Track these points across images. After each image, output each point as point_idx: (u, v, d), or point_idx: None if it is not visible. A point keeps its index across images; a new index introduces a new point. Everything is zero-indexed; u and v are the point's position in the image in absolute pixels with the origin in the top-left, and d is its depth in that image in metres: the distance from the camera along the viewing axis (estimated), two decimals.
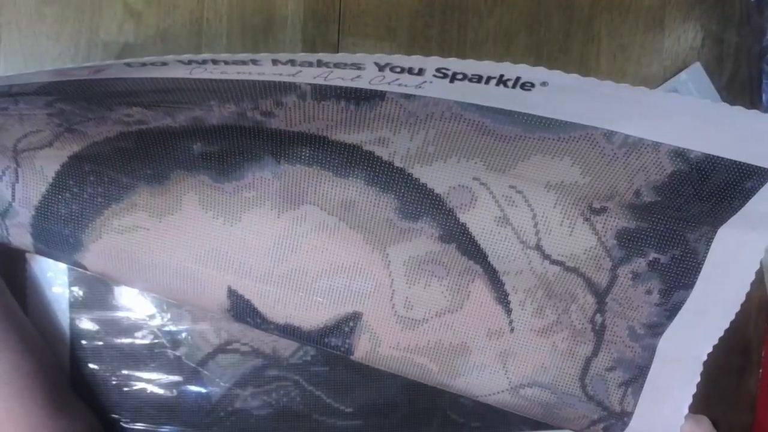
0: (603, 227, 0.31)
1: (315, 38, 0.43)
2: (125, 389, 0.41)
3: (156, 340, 0.41)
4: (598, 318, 0.33)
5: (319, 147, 0.30)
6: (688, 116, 0.26)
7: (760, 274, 0.48)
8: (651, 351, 0.33)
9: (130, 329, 0.41)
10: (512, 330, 0.33)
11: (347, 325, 0.33)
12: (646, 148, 0.28)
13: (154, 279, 0.34)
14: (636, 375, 0.34)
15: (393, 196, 0.30)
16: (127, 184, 0.32)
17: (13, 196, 0.32)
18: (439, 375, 0.34)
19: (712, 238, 0.31)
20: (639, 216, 0.30)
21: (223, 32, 0.42)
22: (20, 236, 0.34)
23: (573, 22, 0.45)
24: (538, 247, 0.31)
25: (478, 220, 0.31)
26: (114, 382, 0.41)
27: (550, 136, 0.27)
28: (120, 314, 0.41)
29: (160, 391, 0.41)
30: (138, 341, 0.41)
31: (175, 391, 0.41)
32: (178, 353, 0.41)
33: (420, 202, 0.31)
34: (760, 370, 0.48)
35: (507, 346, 0.33)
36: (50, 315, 0.40)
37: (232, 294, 0.33)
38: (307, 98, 0.26)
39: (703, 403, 0.46)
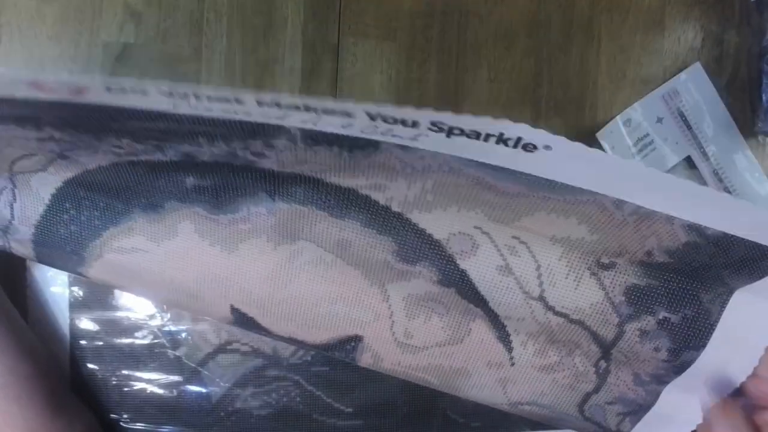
0: (611, 283, 0.29)
1: (315, 38, 0.43)
2: (125, 389, 0.41)
3: (156, 340, 0.41)
4: (602, 364, 0.32)
5: (314, 188, 0.29)
6: (701, 200, 0.25)
7: None
8: (655, 395, 0.32)
9: (130, 329, 0.41)
10: (513, 364, 0.32)
11: (349, 344, 0.33)
12: (659, 219, 0.26)
13: (157, 293, 0.34)
14: (636, 410, 0.33)
15: (390, 239, 0.30)
16: (122, 210, 0.32)
17: (12, 214, 0.32)
18: (440, 387, 0.34)
19: (728, 300, 0.29)
20: (650, 274, 0.29)
21: (223, 32, 0.42)
22: (22, 250, 0.34)
23: (573, 22, 0.45)
24: (542, 299, 0.30)
25: (479, 268, 0.30)
26: (114, 382, 0.41)
27: (555, 197, 0.26)
28: (120, 314, 0.41)
29: (160, 392, 0.41)
30: (138, 341, 0.41)
31: (175, 391, 0.41)
32: (178, 353, 0.41)
33: (418, 247, 0.30)
34: None
35: (507, 375, 0.33)
36: (50, 315, 0.40)
37: (235, 311, 0.33)
38: (298, 142, 0.25)
39: None
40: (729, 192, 0.46)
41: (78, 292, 0.40)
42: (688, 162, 0.45)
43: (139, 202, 0.31)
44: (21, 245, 0.33)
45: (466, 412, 0.43)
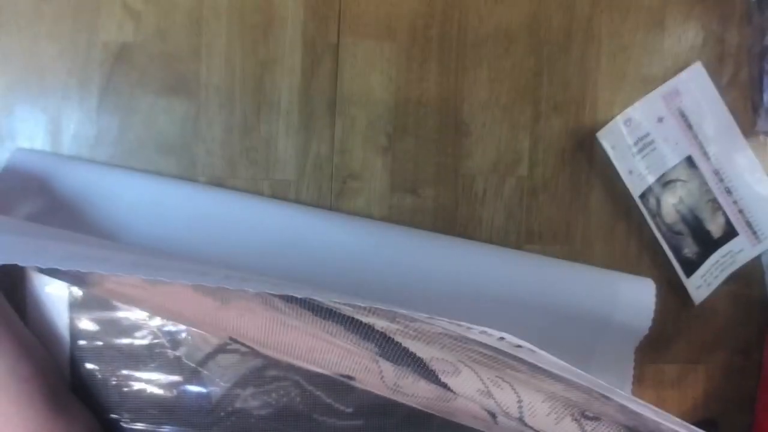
0: (592, 430, 0.30)
1: (315, 38, 0.43)
2: (125, 389, 0.41)
3: (156, 340, 0.41)
4: None
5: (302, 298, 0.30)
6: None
7: (760, 274, 0.48)
8: None
9: (129, 329, 0.41)
10: (496, 424, 0.33)
11: (344, 378, 0.35)
12: (648, 420, 0.27)
13: (159, 314, 0.35)
14: None
15: (374, 345, 0.31)
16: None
17: None
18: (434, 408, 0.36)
19: None
20: None
21: (223, 32, 0.42)
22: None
23: (573, 22, 0.45)
24: (521, 420, 0.31)
25: (461, 386, 0.31)
26: (114, 383, 0.41)
27: (541, 375, 0.27)
28: (120, 314, 0.41)
29: (160, 392, 0.41)
30: (138, 341, 0.41)
31: (175, 391, 0.41)
32: (178, 353, 0.41)
33: (401, 357, 0.31)
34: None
35: (491, 427, 0.34)
36: (50, 315, 0.40)
37: (233, 340, 0.34)
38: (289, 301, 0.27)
39: (703, 403, 0.46)
40: (729, 192, 0.46)
41: (77, 292, 0.40)
42: (689, 162, 0.45)
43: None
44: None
45: None
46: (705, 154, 0.46)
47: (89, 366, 0.41)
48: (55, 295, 0.40)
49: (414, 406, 0.36)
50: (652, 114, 0.45)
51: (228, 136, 0.42)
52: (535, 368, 0.26)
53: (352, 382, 0.35)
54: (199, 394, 0.41)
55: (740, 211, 0.46)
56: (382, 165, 0.43)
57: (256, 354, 0.41)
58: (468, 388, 0.31)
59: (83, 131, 0.41)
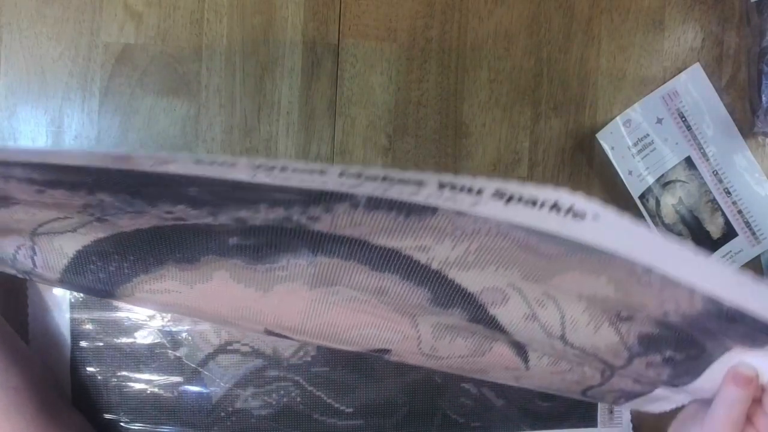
0: (627, 331, 0.32)
1: (315, 39, 0.43)
2: (126, 390, 0.41)
3: (156, 341, 0.41)
4: (608, 373, 0.36)
5: (359, 248, 0.31)
6: (726, 279, 0.28)
7: (759, 275, 0.48)
8: (650, 389, 0.37)
9: (130, 330, 0.41)
10: (528, 369, 0.36)
11: (377, 353, 0.35)
12: (682, 288, 0.29)
13: (192, 316, 0.35)
14: (632, 396, 0.37)
15: (426, 289, 0.32)
16: (153, 262, 0.32)
17: (34, 263, 0.32)
18: (456, 373, 0.37)
19: (730, 348, 0.33)
20: (663, 326, 0.32)
21: (224, 32, 0.42)
22: (49, 284, 0.34)
23: (573, 22, 0.45)
24: (562, 338, 0.33)
25: (507, 315, 0.32)
26: (114, 383, 0.41)
27: (590, 259, 0.28)
28: (120, 315, 0.41)
29: (161, 392, 0.41)
30: (138, 342, 0.41)
31: (175, 391, 0.41)
32: (178, 354, 0.41)
33: (452, 297, 0.32)
34: None
35: (521, 374, 0.36)
36: (51, 316, 0.40)
37: (268, 331, 0.35)
38: (359, 207, 0.27)
39: None
40: (729, 193, 0.46)
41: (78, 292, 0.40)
42: (688, 162, 0.45)
43: (173, 256, 0.32)
44: (48, 282, 0.34)
45: (465, 412, 0.43)
46: (704, 154, 0.46)
47: (90, 366, 0.41)
48: (56, 295, 0.40)
49: (445, 371, 0.37)
50: (651, 115, 0.45)
51: (228, 136, 0.42)
52: (586, 250, 0.27)
53: (386, 356, 0.35)
54: (199, 395, 0.41)
55: (739, 212, 0.46)
56: (382, 165, 0.44)
57: (256, 354, 0.41)
58: (515, 315, 0.32)
59: (84, 132, 0.41)
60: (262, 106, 0.42)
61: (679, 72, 0.45)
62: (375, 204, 0.27)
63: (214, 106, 0.42)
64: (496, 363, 0.35)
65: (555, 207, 0.25)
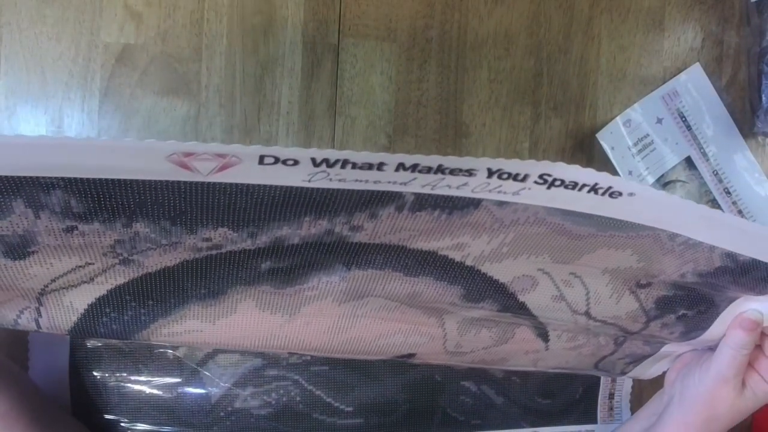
0: (645, 296, 0.34)
1: (315, 39, 0.43)
2: (125, 390, 0.41)
3: None
4: (621, 339, 0.37)
5: (395, 255, 0.31)
6: (746, 233, 0.29)
7: None
8: (658, 349, 0.38)
9: None
10: (547, 349, 0.37)
11: (401, 359, 0.36)
12: (703, 249, 0.30)
13: (215, 346, 0.36)
14: (640, 359, 0.39)
15: (459, 286, 0.32)
16: (174, 303, 0.31)
17: (39, 325, 0.31)
18: (473, 366, 0.39)
19: (735, 299, 0.34)
20: (678, 287, 0.34)
21: (224, 33, 0.42)
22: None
23: (573, 22, 0.45)
24: (587, 313, 0.34)
25: (536, 299, 0.34)
26: (113, 383, 0.41)
27: (620, 234, 0.30)
28: None
29: (160, 392, 0.41)
30: (137, 342, 0.41)
31: (174, 391, 0.41)
32: (177, 353, 0.41)
33: (484, 290, 0.33)
34: None
35: (540, 356, 0.37)
36: None
37: (292, 353, 0.36)
38: (404, 210, 0.27)
39: None
40: (728, 193, 0.46)
41: None
42: (688, 162, 0.45)
43: (197, 293, 0.31)
44: (56, 337, 0.34)
45: (465, 410, 0.43)
46: (704, 154, 0.46)
47: (89, 367, 0.41)
48: None
49: (468, 365, 0.38)
50: (651, 115, 0.45)
51: (228, 136, 0.42)
52: (618, 226, 0.29)
53: (410, 360, 0.36)
54: (198, 395, 0.41)
55: (739, 212, 0.46)
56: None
57: (255, 354, 0.41)
58: (543, 298, 0.33)
59: (85, 132, 0.41)
60: (262, 106, 0.42)
61: (679, 72, 0.46)
62: (421, 204, 0.27)
63: (214, 106, 0.42)
64: (518, 349, 0.36)
65: (594, 189, 0.26)
